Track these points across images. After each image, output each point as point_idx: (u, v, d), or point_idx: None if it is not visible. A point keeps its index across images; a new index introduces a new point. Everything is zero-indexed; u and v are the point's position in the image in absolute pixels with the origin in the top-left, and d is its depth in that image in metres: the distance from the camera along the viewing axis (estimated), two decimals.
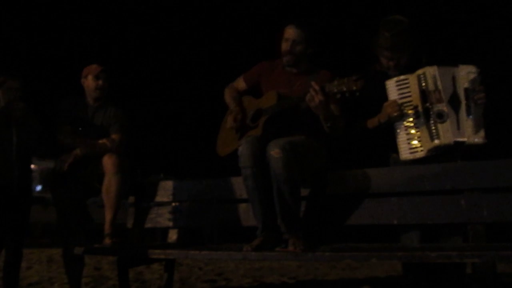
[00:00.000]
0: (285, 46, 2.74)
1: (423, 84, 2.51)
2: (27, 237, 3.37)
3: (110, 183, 2.93)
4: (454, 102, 2.47)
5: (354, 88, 2.37)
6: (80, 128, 3.21)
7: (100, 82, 3.24)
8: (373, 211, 2.58)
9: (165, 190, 3.22)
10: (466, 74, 2.49)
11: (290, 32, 2.73)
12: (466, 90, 2.47)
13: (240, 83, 2.99)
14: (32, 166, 3.42)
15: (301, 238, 2.35)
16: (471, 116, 2.45)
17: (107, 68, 3.30)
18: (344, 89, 2.39)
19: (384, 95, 2.60)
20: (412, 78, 2.55)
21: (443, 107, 2.46)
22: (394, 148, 2.60)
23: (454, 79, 2.49)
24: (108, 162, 2.94)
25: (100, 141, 3.14)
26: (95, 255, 5.23)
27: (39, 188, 11.76)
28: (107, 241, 2.86)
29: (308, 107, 2.51)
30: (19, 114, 3.11)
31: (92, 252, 2.99)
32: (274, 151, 2.35)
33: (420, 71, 2.53)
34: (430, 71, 2.50)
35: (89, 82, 3.26)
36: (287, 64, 2.76)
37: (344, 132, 2.69)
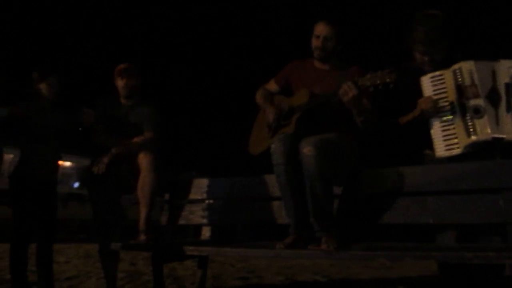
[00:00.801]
0: (316, 42, 2.74)
1: (459, 79, 2.45)
2: (65, 232, 3.48)
3: (145, 181, 2.98)
4: (493, 97, 2.39)
5: (388, 80, 2.35)
6: (114, 127, 3.28)
7: (124, 80, 3.30)
8: (408, 210, 2.53)
9: (199, 187, 3.25)
10: (507, 69, 2.41)
11: (321, 29, 2.73)
12: (507, 85, 2.40)
13: (272, 85, 3.00)
14: (70, 163, 3.55)
15: (334, 237, 2.34)
16: (511, 112, 2.37)
17: (131, 66, 3.35)
18: (378, 81, 2.37)
19: (418, 92, 2.55)
20: (447, 74, 2.49)
21: (480, 102, 2.39)
22: (429, 145, 2.55)
23: (494, 73, 2.42)
24: (143, 160, 2.99)
25: (134, 140, 3.20)
26: (130, 251, 5.35)
27: (76, 185, 12.09)
28: (142, 237, 2.92)
29: (340, 102, 2.49)
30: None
31: (127, 248, 3.06)
32: (307, 149, 2.34)
33: (456, 66, 2.47)
34: (466, 66, 2.44)
35: (118, 81, 3.34)
36: (318, 57, 2.76)
37: (377, 127, 2.65)
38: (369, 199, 2.67)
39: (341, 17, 2.81)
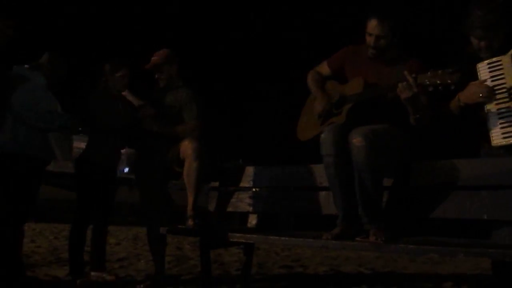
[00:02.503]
0: (368, 40, 2.63)
1: None
2: (115, 215, 3.61)
3: (190, 168, 3.02)
4: None
5: (449, 81, 2.23)
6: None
7: (165, 67, 3.36)
8: (461, 205, 2.43)
9: (246, 175, 3.27)
10: None
11: (373, 27, 2.59)
12: None
13: (324, 68, 2.90)
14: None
15: (383, 229, 2.29)
16: None
17: (170, 52, 3.39)
18: (438, 82, 2.25)
19: (475, 79, 2.44)
20: (505, 59, 2.36)
21: None
22: (485, 137, 2.43)
23: None
24: (187, 147, 3.04)
25: (180, 127, 3.24)
26: (177, 236, 5.47)
27: (126, 170, 12.44)
28: (190, 222, 2.97)
29: (395, 96, 2.41)
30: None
31: (175, 233, 3.13)
32: (356, 139, 2.30)
33: None
34: None
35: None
36: (371, 55, 2.66)
37: (431, 122, 2.56)
38: (420, 192, 2.59)
39: (393, 8, 2.69)
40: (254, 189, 3.23)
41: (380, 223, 2.32)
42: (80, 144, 3.98)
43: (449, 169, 2.50)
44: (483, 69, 2.42)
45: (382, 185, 2.41)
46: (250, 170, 3.27)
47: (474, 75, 2.44)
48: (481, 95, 2.35)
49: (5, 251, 3.07)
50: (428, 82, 2.28)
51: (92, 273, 3.44)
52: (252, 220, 3.20)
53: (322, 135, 2.45)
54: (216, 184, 3.39)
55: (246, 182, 3.26)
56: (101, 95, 3.46)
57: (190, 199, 3.03)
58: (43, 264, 4.24)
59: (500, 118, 2.35)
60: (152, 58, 3.38)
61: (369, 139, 2.28)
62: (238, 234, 2.67)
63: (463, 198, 2.44)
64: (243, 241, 2.78)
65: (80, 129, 3.38)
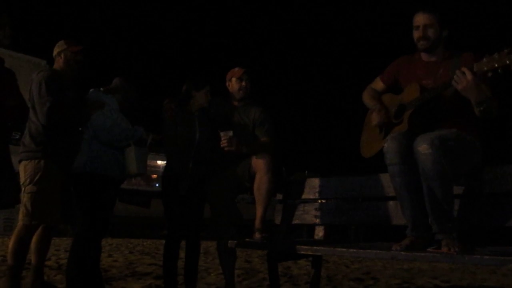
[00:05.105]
0: (416, 34, 2.60)
1: None
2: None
3: (261, 182, 3.06)
4: None
5: (508, 62, 2.11)
6: (225, 128, 3.39)
7: (243, 83, 3.42)
8: None
9: (312, 187, 3.27)
10: None
11: (419, 19, 2.59)
12: None
13: (378, 84, 2.90)
14: None
15: (456, 239, 2.21)
16: None
17: (249, 70, 3.45)
18: (496, 65, 2.14)
19: None
20: None
21: None
22: None
23: None
24: (260, 162, 3.08)
25: (255, 145, 3.28)
26: (246, 249, 5.54)
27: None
28: (257, 235, 3.01)
29: (456, 94, 2.33)
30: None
31: (243, 246, 3.17)
32: (422, 147, 2.24)
33: None
34: None
35: (233, 84, 3.45)
36: (422, 48, 2.61)
37: (497, 114, 2.42)
38: (495, 199, 2.47)
39: (438, 3, 2.63)
40: (320, 201, 3.22)
41: (452, 232, 2.24)
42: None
43: None
44: None
45: (452, 193, 2.32)
46: (315, 182, 3.27)
47: None
48: None
49: (86, 265, 3.26)
50: (486, 68, 2.18)
51: None
52: (319, 232, 3.18)
53: (385, 144, 2.41)
54: (281, 196, 3.41)
55: (311, 194, 3.26)
56: (182, 112, 3.47)
57: (259, 213, 3.07)
58: (120, 278, 4.43)
59: None
60: (232, 75, 3.45)
61: (436, 146, 2.22)
62: (305, 247, 2.67)
63: None
64: (310, 253, 2.77)
65: (156, 139, 3.50)
